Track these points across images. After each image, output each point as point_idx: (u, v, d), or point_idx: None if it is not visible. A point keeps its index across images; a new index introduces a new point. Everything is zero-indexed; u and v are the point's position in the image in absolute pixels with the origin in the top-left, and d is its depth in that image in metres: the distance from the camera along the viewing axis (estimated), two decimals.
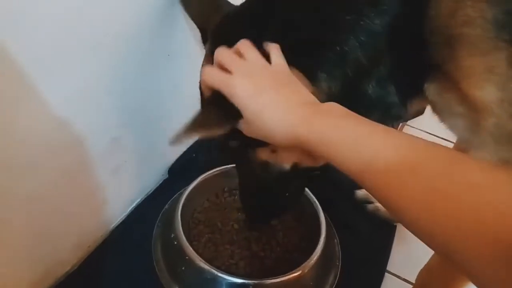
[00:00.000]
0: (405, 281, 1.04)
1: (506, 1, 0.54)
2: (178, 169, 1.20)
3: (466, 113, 0.62)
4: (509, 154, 0.60)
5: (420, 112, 0.83)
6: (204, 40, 0.77)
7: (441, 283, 0.82)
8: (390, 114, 0.71)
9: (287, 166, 0.72)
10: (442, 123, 0.71)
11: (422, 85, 0.66)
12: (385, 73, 0.65)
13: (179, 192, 1.08)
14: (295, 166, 0.72)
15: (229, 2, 0.82)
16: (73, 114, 0.78)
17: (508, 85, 0.55)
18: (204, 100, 0.72)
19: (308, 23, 0.64)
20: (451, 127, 0.73)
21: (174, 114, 0.98)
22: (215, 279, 0.88)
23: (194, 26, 0.87)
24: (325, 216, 1.01)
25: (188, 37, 1.00)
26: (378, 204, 1.15)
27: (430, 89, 0.65)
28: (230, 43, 0.65)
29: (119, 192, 1.03)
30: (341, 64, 0.64)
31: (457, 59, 0.58)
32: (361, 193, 1.19)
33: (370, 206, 1.16)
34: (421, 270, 0.87)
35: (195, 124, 0.62)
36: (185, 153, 1.22)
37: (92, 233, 0.99)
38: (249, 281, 0.88)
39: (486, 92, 0.57)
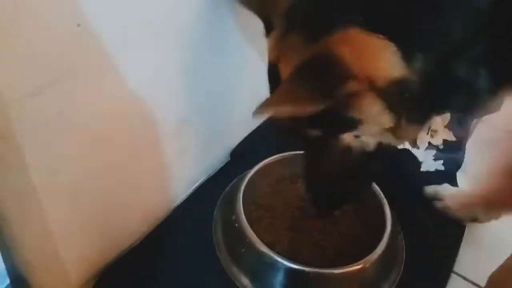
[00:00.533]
0: (472, 283, 0.98)
1: None
2: (240, 153, 1.20)
3: None
4: None
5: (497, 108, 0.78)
6: (268, 31, 0.72)
7: None
8: (477, 101, 0.66)
9: (371, 146, 0.70)
10: None
11: None
12: (480, 55, 0.60)
13: (240, 176, 1.08)
14: (379, 145, 0.70)
15: None
16: (148, 92, 0.80)
17: None
18: (276, 83, 0.68)
19: None
20: None
21: (238, 102, 0.99)
22: (274, 264, 0.87)
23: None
24: (390, 211, 0.98)
25: (257, 30, 1.00)
26: (448, 202, 1.09)
27: None
28: (314, 11, 0.62)
29: (184, 172, 1.06)
30: (441, 40, 0.59)
31: None
32: (430, 189, 1.13)
33: (439, 204, 1.10)
34: (494, 272, 0.82)
35: (283, 95, 0.57)
36: (247, 138, 1.23)
37: (157, 209, 1.02)
38: (308, 269, 0.86)
39: None
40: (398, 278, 0.95)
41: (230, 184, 1.10)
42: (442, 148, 1.28)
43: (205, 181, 1.14)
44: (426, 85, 0.60)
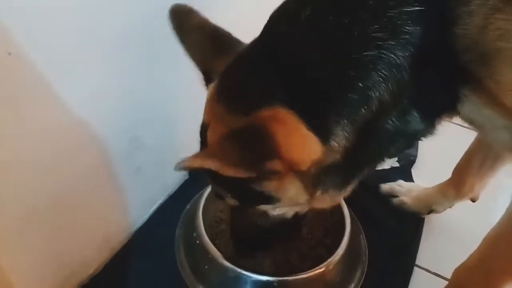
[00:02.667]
0: (436, 275, 1.00)
1: None
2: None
3: (511, 125, 0.61)
4: None
5: None
6: (207, 82, 0.74)
7: (478, 285, 0.79)
8: (415, 138, 0.70)
9: (289, 215, 0.78)
10: (483, 136, 0.69)
11: (454, 104, 0.63)
12: (408, 104, 0.61)
13: (200, 192, 1.08)
14: (295, 214, 0.78)
15: (235, 40, 0.75)
16: (91, 113, 0.79)
17: None
18: (204, 143, 0.70)
19: (324, 63, 0.60)
20: (494, 140, 0.72)
21: (190, 116, 0.97)
22: (238, 277, 0.87)
23: None
24: (349, 211, 0.99)
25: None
26: (404, 198, 1.12)
27: (465, 107, 0.62)
28: (241, 87, 0.64)
29: (142, 193, 1.04)
30: (364, 104, 0.59)
31: (495, 74, 0.56)
32: (385, 187, 1.16)
33: (395, 200, 1.13)
34: (458, 269, 0.83)
35: (211, 154, 0.57)
36: None
37: (116, 235, 0.99)
38: (273, 279, 0.86)
39: None
40: (363, 277, 0.96)
41: (190, 202, 1.09)
42: None
43: (165, 200, 1.13)
44: (349, 155, 0.63)
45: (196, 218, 0.95)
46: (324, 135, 0.60)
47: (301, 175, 0.64)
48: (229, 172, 0.54)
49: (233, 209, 0.86)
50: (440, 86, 0.61)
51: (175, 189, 1.15)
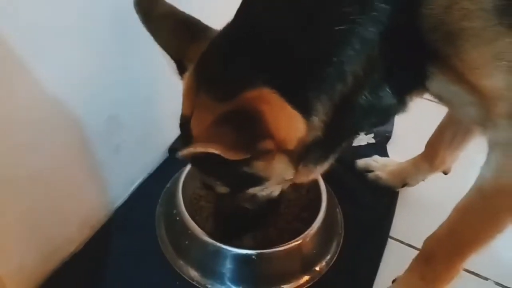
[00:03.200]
0: (409, 246, 1.04)
1: None
2: (178, 148, 1.20)
3: (477, 101, 0.63)
4: None
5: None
6: (181, 71, 0.74)
7: (447, 252, 0.83)
8: (388, 114, 0.73)
9: (275, 194, 0.81)
10: (452, 111, 0.71)
11: (423, 81, 0.65)
12: (379, 80, 0.64)
13: (179, 171, 1.09)
14: (282, 192, 0.81)
15: (205, 26, 0.75)
16: (67, 91, 0.79)
17: None
18: (186, 135, 0.69)
19: (300, 40, 0.61)
20: (462, 115, 0.75)
21: (169, 95, 0.97)
22: (218, 251, 0.89)
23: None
24: (326, 185, 1.02)
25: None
26: (379, 172, 1.15)
27: (433, 84, 0.65)
28: (221, 73, 0.65)
29: (121, 172, 1.05)
30: (340, 78, 0.62)
31: (460, 53, 0.58)
32: (361, 162, 1.19)
33: (371, 175, 1.16)
34: (428, 238, 0.87)
35: (209, 139, 0.58)
36: None
37: (96, 213, 1.00)
38: (252, 252, 0.89)
39: (495, 80, 0.58)
40: (339, 249, 1.00)
41: (170, 180, 1.10)
42: None
43: (145, 179, 1.13)
44: (328, 130, 0.65)
45: (176, 195, 0.97)
46: (306, 112, 0.63)
47: (287, 152, 0.66)
48: (230, 154, 0.56)
49: (219, 196, 0.86)
50: (410, 64, 0.63)
51: (155, 168, 1.16)
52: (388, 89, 0.65)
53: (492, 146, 0.68)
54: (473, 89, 0.61)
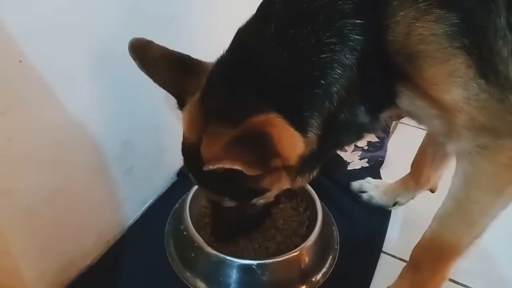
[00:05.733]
0: (400, 259, 1.11)
1: (448, 17, 0.63)
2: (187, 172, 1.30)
3: (440, 114, 0.72)
4: (485, 140, 0.70)
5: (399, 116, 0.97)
6: (181, 104, 0.82)
7: (432, 258, 0.90)
8: (363, 130, 0.82)
9: (271, 199, 0.92)
10: (421, 125, 0.81)
11: (393, 99, 0.74)
12: (356, 100, 0.74)
13: (187, 193, 1.18)
14: (277, 196, 0.93)
15: (197, 61, 0.83)
16: (89, 117, 0.90)
17: (470, 84, 0.65)
18: (192, 160, 0.77)
19: (293, 68, 0.71)
20: (430, 127, 0.84)
21: (180, 123, 1.08)
22: (222, 262, 0.97)
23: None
24: (322, 204, 1.11)
25: (196, 45, 1.05)
26: (372, 193, 1.23)
27: (402, 101, 0.74)
28: (228, 103, 0.73)
29: (133, 193, 1.14)
30: (327, 98, 0.71)
31: (420, 72, 0.68)
32: (356, 184, 1.28)
33: (364, 195, 1.25)
34: (415, 247, 0.94)
35: (229, 156, 0.63)
36: None
37: (111, 229, 1.09)
38: (253, 262, 0.97)
39: (453, 94, 0.67)
40: (335, 262, 1.07)
41: (178, 201, 1.19)
42: (367, 149, 1.45)
43: (156, 200, 1.23)
44: (320, 144, 0.75)
45: (184, 213, 1.05)
46: (303, 130, 0.73)
47: (289, 168, 0.75)
48: (249, 170, 0.64)
49: (216, 208, 0.97)
50: (381, 84, 0.73)
51: (164, 190, 1.26)
52: (362, 108, 0.75)
53: (458, 157, 0.76)
54: (435, 102, 0.69)
